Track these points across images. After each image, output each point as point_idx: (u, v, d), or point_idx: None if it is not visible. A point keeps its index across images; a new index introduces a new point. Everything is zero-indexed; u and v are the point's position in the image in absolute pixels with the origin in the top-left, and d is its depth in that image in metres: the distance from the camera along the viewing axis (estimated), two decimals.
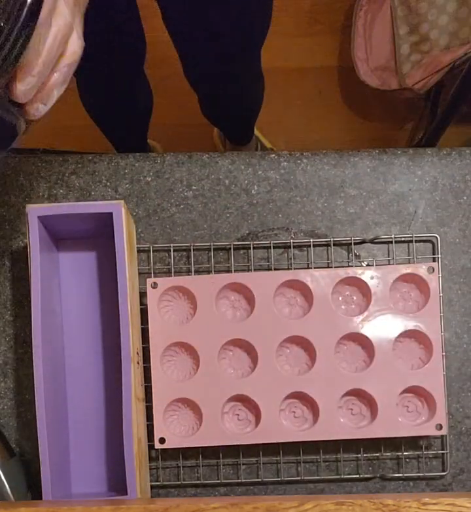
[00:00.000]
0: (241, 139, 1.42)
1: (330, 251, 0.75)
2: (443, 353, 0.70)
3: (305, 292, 0.71)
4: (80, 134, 1.42)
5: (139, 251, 0.74)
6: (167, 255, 0.75)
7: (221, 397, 0.69)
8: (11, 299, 0.74)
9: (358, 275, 0.70)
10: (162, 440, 0.69)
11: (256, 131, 1.50)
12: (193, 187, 0.76)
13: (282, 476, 0.73)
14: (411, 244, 0.75)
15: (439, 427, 0.69)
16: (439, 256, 0.74)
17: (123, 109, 1.14)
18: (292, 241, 0.74)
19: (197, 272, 0.74)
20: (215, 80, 1.03)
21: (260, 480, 0.73)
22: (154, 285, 0.69)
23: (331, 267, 0.74)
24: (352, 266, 0.74)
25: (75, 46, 0.45)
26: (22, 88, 0.43)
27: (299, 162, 0.76)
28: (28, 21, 0.40)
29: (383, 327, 0.69)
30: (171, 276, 0.74)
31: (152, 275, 0.74)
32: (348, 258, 0.75)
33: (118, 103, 1.11)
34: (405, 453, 0.73)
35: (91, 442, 0.71)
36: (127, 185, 0.76)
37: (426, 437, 0.73)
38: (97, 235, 0.71)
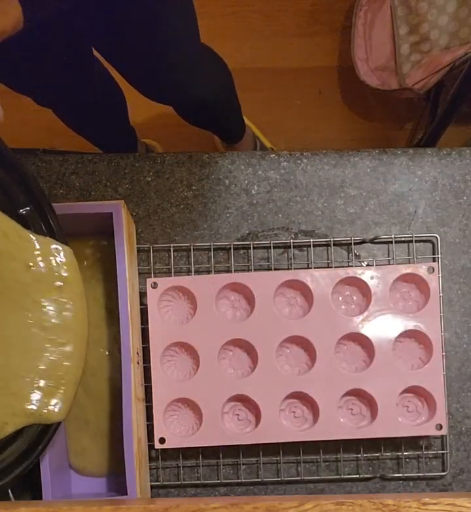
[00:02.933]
0: (231, 135, 1.42)
1: (330, 251, 0.75)
2: (443, 353, 0.70)
3: (305, 292, 0.71)
4: None
5: (139, 251, 0.74)
6: (167, 255, 0.75)
7: (221, 397, 0.69)
8: None
9: (358, 275, 0.70)
10: (162, 440, 0.69)
11: (256, 132, 1.50)
12: (193, 187, 0.76)
13: (282, 476, 0.73)
14: (411, 244, 0.75)
15: (439, 427, 0.69)
16: (439, 256, 0.74)
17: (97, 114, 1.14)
18: (292, 241, 0.74)
19: (197, 272, 0.74)
20: (165, 84, 1.02)
21: (260, 480, 0.73)
22: (154, 285, 0.69)
23: (331, 267, 0.74)
24: (352, 266, 0.74)
25: None
26: None
27: (299, 162, 0.76)
28: None
29: (383, 327, 0.69)
30: (171, 276, 0.74)
31: (152, 275, 0.74)
32: (349, 258, 0.75)
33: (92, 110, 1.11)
34: (405, 453, 0.73)
35: None
36: (127, 185, 0.76)
37: (426, 437, 0.73)
38: (97, 235, 0.71)
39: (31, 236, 0.58)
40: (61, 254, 0.59)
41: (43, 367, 0.58)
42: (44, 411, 0.58)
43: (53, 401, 0.58)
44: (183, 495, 0.73)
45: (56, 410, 0.58)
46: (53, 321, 0.58)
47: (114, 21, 0.81)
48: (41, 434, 0.58)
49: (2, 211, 0.57)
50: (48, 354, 0.58)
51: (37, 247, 0.58)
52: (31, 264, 0.58)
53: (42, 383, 0.58)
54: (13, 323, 0.57)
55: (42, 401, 0.58)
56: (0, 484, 0.57)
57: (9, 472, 0.58)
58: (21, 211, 0.57)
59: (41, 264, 0.58)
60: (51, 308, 0.58)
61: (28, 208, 0.57)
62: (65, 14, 0.76)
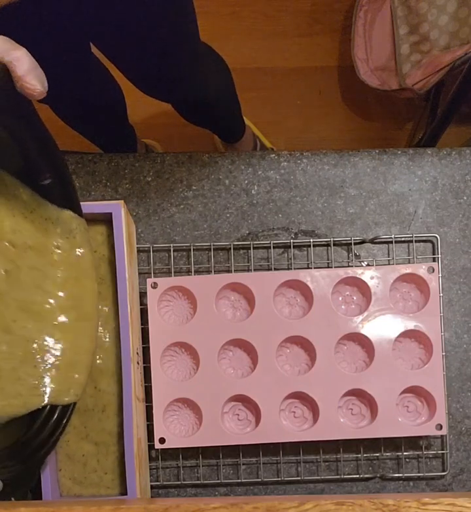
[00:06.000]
0: (231, 135, 1.42)
1: (330, 251, 0.75)
2: (443, 353, 0.70)
3: (305, 292, 0.71)
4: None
5: (139, 251, 0.74)
6: (167, 255, 0.75)
7: (221, 397, 0.69)
8: None
9: (358, 275, 0.70)
10: (162, 440, 0.69)
11: (256, 132, 1.50)
12: (193, 187, 0.76)
13: (282, 476, 0.73)
14: (411, 244, 0.75)
15: (439, 427, 0.69)
16: (439, 256, 0.74)
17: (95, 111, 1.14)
18: (292, 241, 0.74)
19: (197, 272, 0.74)
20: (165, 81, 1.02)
21: (260, 480, 0.73)
22: (154, 285, 0.69)
23: (331, 267, 0.74)
24: (352, 266, 0.74)
25: None
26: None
27: (299, 162, 0.76)
28: None
29: (383, 327, 0.69)
30: (171, 276, 0.74)
31: (152, 275, 0.74)
32: (348, 258, 0.75)
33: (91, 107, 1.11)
34: (405, 453, 0.73)
35: None
36: (127, 185, 0.76)
37: (426, 437, 0.73)
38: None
39: (50, 206, 0.58)
40: (78, 226, 0.60)
41: (58, 344, 0.58)
42: (63, 391, 0.58)
43: (70, 381, 0.59)
44: (183, 495, 0.73)
45: (72, 390, 0.59)
46: (66, 294, 0.59)
47: (113, 18, 0.82)
48: (62, 415, 0.59)
49: (24, 181, 0.57)
50: (61, 330, 0.58)
51: (55, 218, 0.58)
52: (49, 235, 0.59)
53: (58, 361, 0.58)
54: (32, 296, 0.58)
55: (60, 380, 0.58)
56: (29, 464, 0.58)
57: (37, 451, 0.58)
58: (42, 182, 0.57)
59: (58, 233, 0.59)
60: (60, 280, 0.59)
61: (50, 180, 0.57)
62: (64, 11, 0.76)
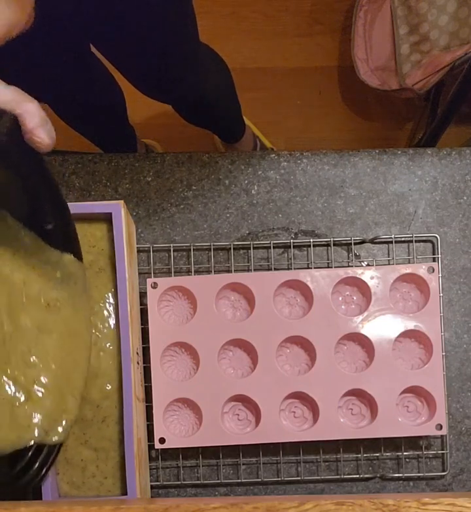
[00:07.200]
0: (231, 134, 1.42)
1: (330, 251, 0.75)
2: (443, 353, 0.70)
3: (305, 292, 0.71)
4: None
5: (139, 251, 0.74)
6: (167, 255, 0.75)
7: (221, 397, 0.69)
8: None
9: (358, 275, 0.70)
10: (162, 440, 0.69)
11: (256, 131, 1.50)
12: (193, 187, 0.76)
13: (282, 476, 0.73)
14: (411, 244, 0.75)
15: (439, 427, 0.69)
16: (439, 256, 0.74)
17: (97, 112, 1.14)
18: (292, 241, 0.74)
19: (197, 272, 0.74)
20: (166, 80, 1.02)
21: (260, 480, 0.73)
22: (154, 285, 0.69)
23: (331, 267, 0.74)
24: (352, 266, 0.74)
25: None
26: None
27: (299, 162, 0.76)
28: None
29: (383, 327, 0.69)
30: (171, 276, 0.74)
31: (152, 275, 0.74)
32: (348, 258, 0.75)
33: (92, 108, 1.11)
34: (405, 453, 0.73)
35: None
36: (127, 185, 0.76)
37: (426, 437, 0.73)
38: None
39: (51, 250, 0.57)
40: (78, 271, 0.59)
41: (49, 379, 0.58)
42: (51, 429, 0.57)
43: (59, 421, 0.57)
44: (183, 495, 0.73)
45: (60, 430, 0.57)
46: (57, 334, 0.58)
47: (113, 18, 0.82)
48: (47, 457, 0.57)
49: (27, 224, 0.56)
50: (53, 366, 0.58)
51: (55, 261, 0.58)
52: (49, 281, 0.58)
53: (47, 399, 0.57)
54: (23, 332, 0.58)
55: (49, 416, 0.57)
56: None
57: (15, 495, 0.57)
58: (45, 226, 0.56)
59: (58, 279, 0.58)
60: (55, 320, 0.58)
61: (52, 224, 0.57)
62: (64, 11, 0.76)
